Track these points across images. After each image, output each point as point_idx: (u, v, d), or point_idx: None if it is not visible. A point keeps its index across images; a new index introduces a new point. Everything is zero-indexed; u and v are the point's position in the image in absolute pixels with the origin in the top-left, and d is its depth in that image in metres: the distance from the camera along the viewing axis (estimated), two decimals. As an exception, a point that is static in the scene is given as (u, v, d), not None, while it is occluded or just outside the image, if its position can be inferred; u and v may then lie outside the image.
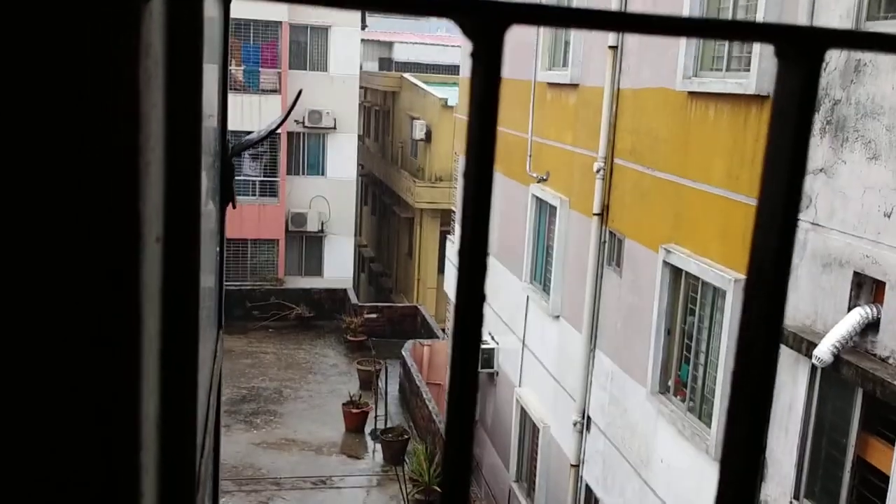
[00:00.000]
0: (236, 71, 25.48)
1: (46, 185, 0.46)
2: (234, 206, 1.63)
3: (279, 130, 25.29)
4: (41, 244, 0.46)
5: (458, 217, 18.57)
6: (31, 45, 0.45)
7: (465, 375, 0.52)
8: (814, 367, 6.51)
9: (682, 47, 8.67)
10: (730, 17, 8.17)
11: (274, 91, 25.63)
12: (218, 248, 1.64)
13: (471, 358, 0.53)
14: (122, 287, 0.48)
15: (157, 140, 0.61)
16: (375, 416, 17.76)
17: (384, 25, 44.26)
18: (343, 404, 18.04)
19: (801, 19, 6.79)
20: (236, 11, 26.53)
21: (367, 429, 17.87)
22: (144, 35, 0.49)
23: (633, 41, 10.01)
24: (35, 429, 0.51)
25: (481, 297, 0.54)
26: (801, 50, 0.54)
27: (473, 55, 0.51)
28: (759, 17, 7.40)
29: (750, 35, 0.58)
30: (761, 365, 0.57)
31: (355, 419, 17.78)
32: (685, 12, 8.56)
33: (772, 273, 0.56)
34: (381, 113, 32.30)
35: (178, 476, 0.77)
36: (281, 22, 25.46)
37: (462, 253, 0.53)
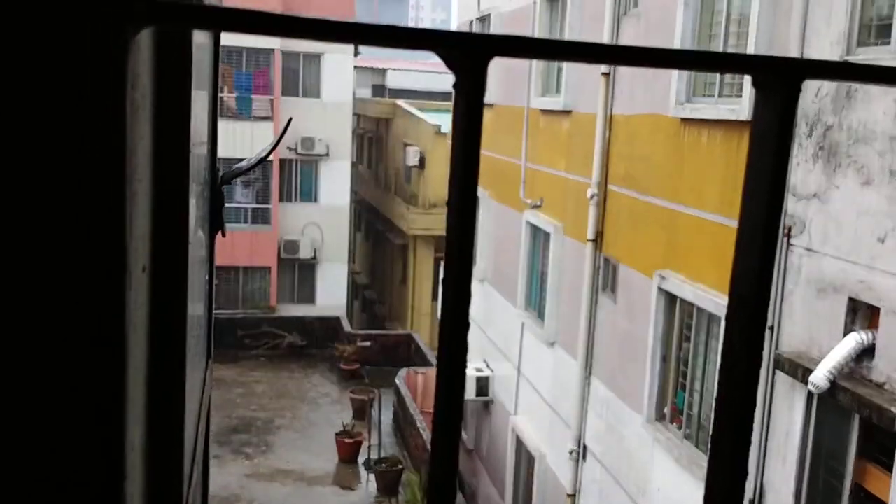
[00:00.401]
0: (228, 98, 25.59)
1: (30, 217, 0.46)
2: (223, 235, 1.63)
3: (271, 157, 25.35)
4: (23, 275, 0.46)
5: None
6: (18, 77, 0.46)
7: (450, 405, 0.52)
8: (810, 394, 6.50)
9: (675, 74, 8.74)
10: (721, 44, 8.25)
11: (266, 118, 25.72)
12: (207, 277, 1.64)
13: (456, 384, 0.53)
14: (107, 317, 0.48)
15: (145, 170, 0.61)
16: (369, 446, 17.62)
17: (377, 53, 44.58)
18: (336, 434, 17.90)
19: (793, 46, 6.87)
20: (228, 39, 26.77)
21: (361, 459, 17.72)
22: (132, 67, 0.49)
23: (625, 68, 10.09)
24: (17, 454, 0.51)
25: (465, 324, 0.54)
26: (779, 80, 0.55)
27: (455, 86, 0.52)
28: (751, 44, 7.47)
29: (728, 66, 0.58)
30: (743, 386, 0.57)
31: (348, 449, 17.64)
32: (677, 39, 8.65)
33: (752, 300, 0.56)
34: (374, 139, 32.42)
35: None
36: (273, 49, 25.60)
37: (446, 281, 0.53)
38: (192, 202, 1.40)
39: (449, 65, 0.52)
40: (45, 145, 0.45)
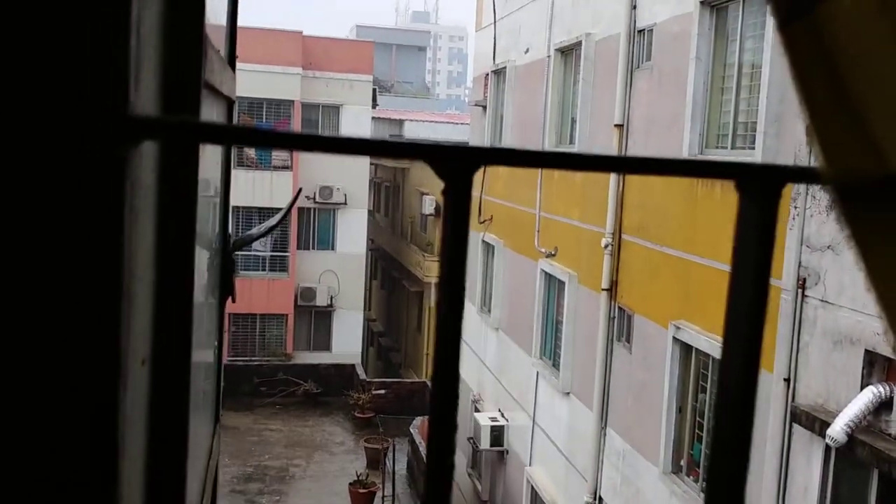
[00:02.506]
0: (249, 148, 25.91)
1: (27, 323, 0.48)
2: (233, 301, 1.66)
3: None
4: (14, 381, 0.48)
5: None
6: (14, 187, 0.48)
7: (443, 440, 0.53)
8: (828, 447, 6.40)
9: (688, 123, 8.80)
10: (733, 96, 8.31)
11: (285, 168, 26.01)
12: (217, 343, 1.66)
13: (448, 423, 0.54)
14: (102, 419, 0.50)
15: (146, 268, 0.63)
16: (383, 497, 17.43)
17: (395, 104, 45.14)
18: (350, 484, 17.74)
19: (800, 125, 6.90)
20: (249, 90, 27.04)
21: (375, 509, 17.52)
22: (132, 174, 0.51)
23: (638, 118, 10.17)
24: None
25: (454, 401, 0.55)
26: (759, 185, 0.57)
27: (444, 193, 0.55)
28: (762, 98, 7.52)
29: (710, 172, 0.60)
30: (739, 435, 0.57)
31: (362, 499, 17.45)
32: (689, 91, 8.71)
33: (739, 407, 0.57)
34: (391, 188, 32.66)
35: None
36: (293, 101, 25.99)
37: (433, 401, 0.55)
38: (204, 270, 1.42)
39: (439, 174, 0.54)
40: (41, 264, 0.47)
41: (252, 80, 24.99)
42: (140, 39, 0.51)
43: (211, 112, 1.29)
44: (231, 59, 1.81)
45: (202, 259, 1.31)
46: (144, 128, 0.48)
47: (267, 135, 0.52)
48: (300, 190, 3.07)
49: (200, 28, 0.83)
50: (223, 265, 1.54)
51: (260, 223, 26.28)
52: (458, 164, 0.52)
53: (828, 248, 6.64)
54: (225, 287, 1.56)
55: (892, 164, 0.50)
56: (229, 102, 1.65)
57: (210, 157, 1.42)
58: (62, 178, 0.49)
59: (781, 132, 7.25)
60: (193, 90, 0.83)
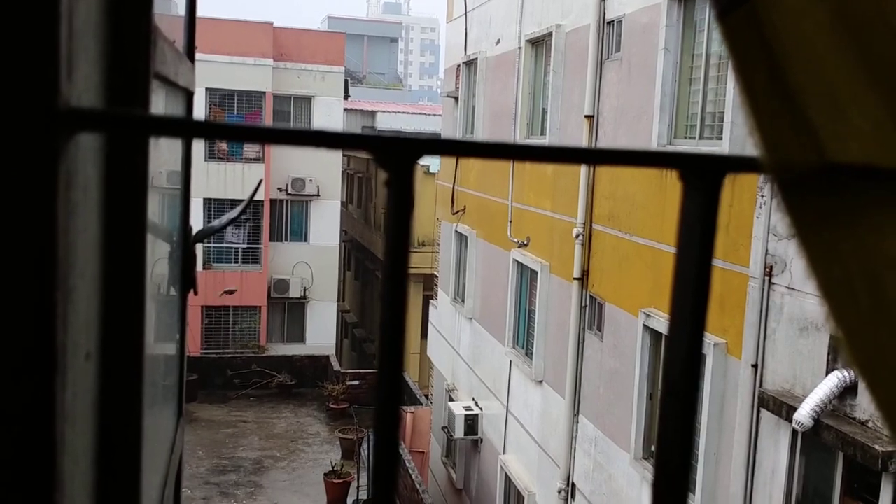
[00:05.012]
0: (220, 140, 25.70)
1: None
2: (195, 293, 1.65)
3: (262, 198, 25.41)
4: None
5: (440, 281, 18.31)
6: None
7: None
8: (795, 432, 6.50)
9: (657, 114, 8.85)
10: (701, 86, 8.37)
11: (257, 160, 25.83)
12: (179, 336, 1.64)
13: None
14: (38, 421, 0.49)
15: (89, 259, 0.62)
16: (358, 486, 17.45)
17: (367, 95, 44.96)
18: (325, 474, 17.73)
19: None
20: (220, 82, 26.79)
21: (350, 499, 17.54)
22: (66, 168, 0.51)
23: (609, 109, 10.21)
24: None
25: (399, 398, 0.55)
26: (702, 175, 0.57)
27: (387, 184, 0.55)
28: (730, 87, 7.59)
29: (655, 161, 0.61)
30: (684, 406, 0.57)
31: (337, 490, 17.45)
32: (658, 82, 8.76)
33: (682, 393, 0.57)
34: (363, 179, 32.56)
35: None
36: (265, 92, 25.80)
37: (378, 379, 0.55)
38: (165, 262, 1.41)
39: (380, 164, 0.54)
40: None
41: (223, 72, 24.76)
42: (73, 30, 0.51)
43: (165, 104, 1.27)
44: (190, 51, 1.79)
45: (160, 251, 1.30)
46: (76, 119, 0.47)
47: (207, 126, 0.51)
48: (260, 181, 3.06)
49: (148, 19, 0.82)
50: (184, 257, 1.53)
51: (231, 215, 26.11)
52: (399, 154, 0.52)
53: (794, 236, 6.72)
54: (186, 279, 1.54)
55: (829, 153, 0.51)
56: (188, 94, 1.64)
57: (168, 148, 1.40)
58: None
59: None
60: (142, 82, 0.82)
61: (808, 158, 0.52)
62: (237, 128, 0.51)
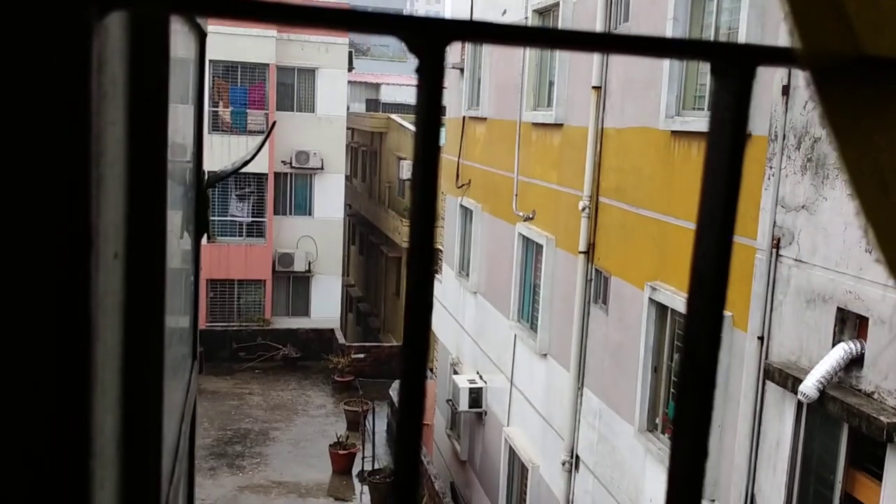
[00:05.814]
0: (224, 112, 25.63)
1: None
2: (209, 239, 1.64)
3: (266, 171, 25.38)
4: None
5: (443, 248, 18.22)
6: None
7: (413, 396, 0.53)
8: (800, 404, 6.52)
9: (665, 87, 8.80)
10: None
11: (261, 132, 25.75)
12: (193, 278, 1.65)
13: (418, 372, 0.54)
14: (73, 298, 0.49)
15: (116, 157, 0.62)
16: (363, 458, 17.58)
17: (371, 67, 44.71)
18: (330, 445, 17.86)
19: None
20: (224, 54, 26.65)
21: (355, 470, 17.68)
22: (98, 52, 0.50)
23: (616, 80, 10.15)
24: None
25: (426, 331, 0.55)
26: (734, 66, 0.57)
27: (418, 70, 0.54)
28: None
29: (685, 53, 0.60)
30: (704, 380, 0.58)
31: (342, 461, 17.59)
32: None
33: (711, 285, 0.57)
34: (368, 153, 32.49)
35: (141, 495, 0.77)
36: (268, 64, 25.68)
37: (410, 264, 0.55)
38: (179, 204, 1.41)
39: (411, 48, 0.54)
40: (4, 129, 0.46)
41: (226, 44, 24.63)
42: None
43: (183, 45, 1.27)
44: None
45: (175, 191, 1.30)
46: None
47: (239, 3, 0.51)
48: (274, 123, 3.05)
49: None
50: (198, 202, 1.53)
51: (236, 188, 26.07)
52: (431, 37, 0.51)
53: (802, 207, 6.70)
54: (200, 223, 1.54)
55: (865, 44, 0.50)
56: (201, 35, 1.63)
57: (180, 81, 1.40)
58: (27, 48, 0.48)
59: (755, 94, 7.26)
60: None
61: (844, 50, 0.52)
62: (266, 5, 0.51)
